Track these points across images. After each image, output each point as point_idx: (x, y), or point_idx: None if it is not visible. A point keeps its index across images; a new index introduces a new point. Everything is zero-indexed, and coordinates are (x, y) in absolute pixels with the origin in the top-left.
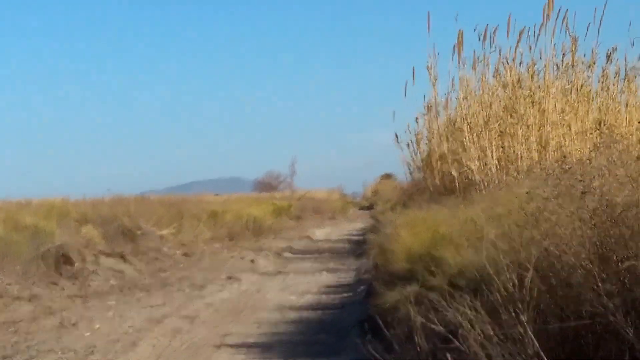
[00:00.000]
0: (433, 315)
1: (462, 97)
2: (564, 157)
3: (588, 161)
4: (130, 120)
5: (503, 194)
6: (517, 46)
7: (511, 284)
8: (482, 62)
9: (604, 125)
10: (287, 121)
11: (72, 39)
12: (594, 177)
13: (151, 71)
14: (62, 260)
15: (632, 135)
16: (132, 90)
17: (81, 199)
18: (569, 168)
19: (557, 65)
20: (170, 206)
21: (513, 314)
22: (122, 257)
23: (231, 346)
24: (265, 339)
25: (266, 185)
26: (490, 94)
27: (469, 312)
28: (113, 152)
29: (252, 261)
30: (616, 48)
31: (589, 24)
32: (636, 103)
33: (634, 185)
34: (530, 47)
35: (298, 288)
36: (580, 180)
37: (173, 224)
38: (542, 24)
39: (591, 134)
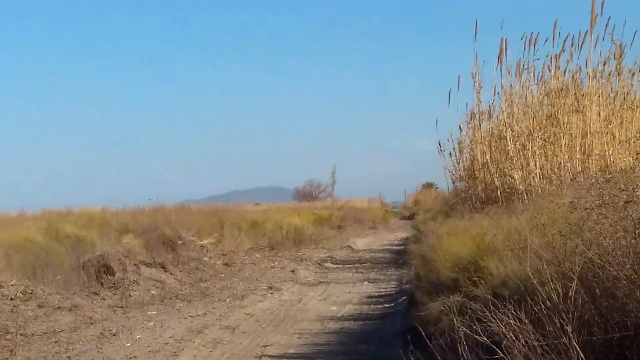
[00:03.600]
0: (477, 326)
1: (506, 105)
2: (607, 166)
3: (631, 170)
4: (170, 130)
5: (546, 204)
6: (560, 53)
7: (555, 294)
8: (527, 69)
9: None
10: (327, 129)
11: (110, 53)
12: (637, 186)
13: (192, 81)
14: (103, 270)
15: None
16: (172, 101)
17: (122, 208)
18: (612, 177)
19: (601, 72)
20: (210, 215)
21: (558, 324)
22: (163, 266)
23: (272, 357)
24: (306, 350)
25: (306, 195)
26: (534, 102)
27: (513, 322)
28: (154, 161)
29: (293, 271)
30: None
31: (635, 32)
32: None
33: None
34: (572, 55)
35: (339, 298)
36: (624, 190)
37: (214, 234)
38: (588, 31)
39: (635, 142)
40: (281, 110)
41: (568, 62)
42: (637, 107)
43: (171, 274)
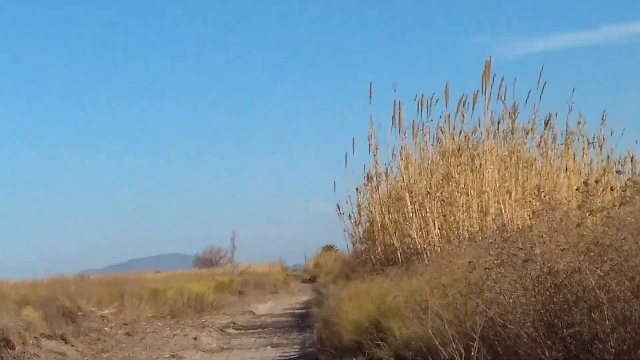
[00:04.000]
0: None
1: (402, 166)
2: (504, 225)
3: (528, 229)
4: (65, 198)
5: (446, 264)
6: (456, 114)
7: (457, 354)
8: (422, 131)
9: (543, 191)
10: (225, 195)
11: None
12: (535, 244)
13: (86, 149)
14: (3, 344)
15: (570, 200)
16: (65, 166)
17: (20, 280)
18: (510, 236)
19: (494, 132)
20: (110, 285)
21: None
22: (64, 338)
23: None
24: None
25: (207, 261)
26: (430, 162)
27: None
28: (50, 231)
29: (195, 338)
30: (556, 114)
31: (529, 91)
32: (575, 167)
33: (574, 251)
34: (463, 115)
35: None
36: (522, 249)
37: (114, 304)
38: (480, 91)
39: (531, 200)
40: (178, 174)
41: (462, 122)
42: (531, 165)
43: (72, 345)
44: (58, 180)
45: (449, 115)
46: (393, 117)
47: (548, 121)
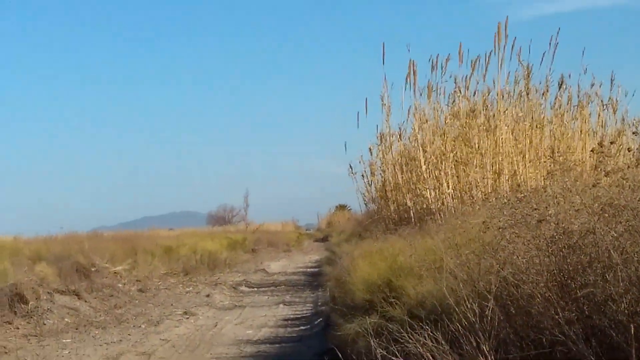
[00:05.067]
0: (393, 347)
1: (417, 126)
2: (518, 185)
3: (543, 189)
4: (80, 155)
5: (460, 224)
6: (470, 75)
7: (471, 313)
8: (436, 91)
9: (557, 152)
10: (239, 153)
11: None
12: (549, 205)
13: (101, 106)
14: (16, 299)
15: (585, 162)
16: (81, 125)
17: (33, 237)
18: (524, 197)
19: (509, 93)
20: (123, 242)
21: (474, 344)
22: (77, 294)
23: None
24: None
25: (220, 219)
26: (445, 122)
27: (430, 343)
28: (64, 188)
29: (208, 295)
30: (569, 75)
31: (544, 53)
32: (589, 129)
33: (589, 212)
34: (484, 76)
35: (255, 322)
36: (536, 209)
37: (127, 260)
38: (493, 52)
39: (545, 161)
40: (192, 133)
41: (478, 83)
42: (545, 126)
43: (85, 301)
44: (73, 137)
45: (465, 76)
46: (407, 76)
47: (562, 83)
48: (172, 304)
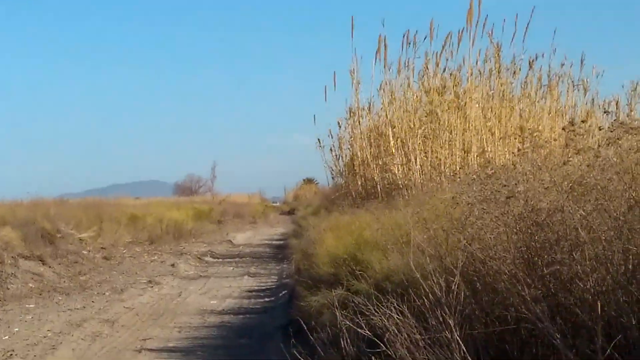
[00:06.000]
0: (359, 319)
1: (386, 101)
2: (488, 162)
3: (512, 166)
4: (47, 121)
5: (428, 199)
6: (441, 52)
7: (438, 288)
8: (407, 67)
9: (527, 130)
10: (207, 124)
11: None
12: (518, 181)
13: (70, 72)
14: None
15: (555, 140)
16: (50, 91)
17: None
18: (493, 173)
19: (480, 71)
20: (89, 209)
21: (440, 318)
22: (41, 260)
23: (152, 350)
24: (187, 343)
25: (187, 189)
26: (414, 98)
27: (395, 316)
28: (30, 153)
29: (173, 265)
30: (541, 55)
31: (514, 32)
32: (559, 109)
33: (558, 190)
34: (452, 53)
35: (219, 292)
36: (505, 185)
37: (93, 228)
38: (465, 29)
39: (514, 139)
40: (161, 103)
41: (447, 60)
42: (515, 105)
43: (50, 267)
44: (41, 102)
45: (435, 53)
46: (377, 51)
47: (532, 62)
48: (136, 273)
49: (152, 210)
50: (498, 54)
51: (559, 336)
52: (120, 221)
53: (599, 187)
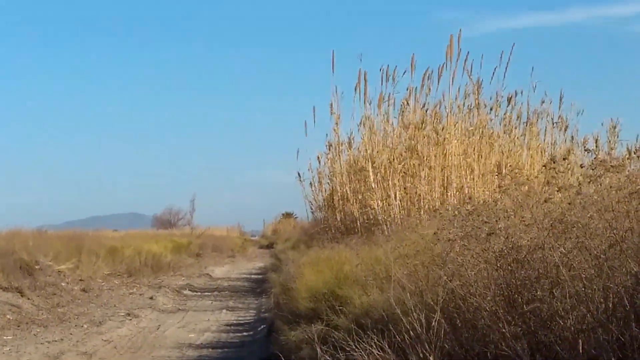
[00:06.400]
0: (340, 355)
1: (366, 136)
2: (469, 198)
3: (493, 203)
4: (26, 152)
5: (409, 235)
6: (421, 88)
7: (418, 324)
8: (387, 102)
9: (506, 167)
10: (186, 157)
11: None
12: (499, 218)
13: (48, 102)
14: None
15: (535, 177)
16: (27, 121)
17: None
18: (474, 209)
19: (459, 107)
20: (68, 241)
21: (420, 354)
22: (19, 291)
23: None
24: None
25: (165, 222)
26: (394, 134)
27: (376, 352)
28: (8, 183)
29: (151, 298)
30: (521, 92)
31: (495, 68)
32: (538, 146)
33: (539, 227)
34: (429, 89)
35: (197, 326)
36: (486, 222)
37: (71, 259)
38: (445, 65)
39: (494, 176)
40: (139, 136)
41: (427, 95)
42: (494, 141)
43: (28, 298)
44: (20, 133)
45: (415, 88)
46: (357, 85)
47: (511, 99)
48: (115, 305)
49: (131, 243)
50: (478, 90)
51: None
52: (99, 253)
53: (579, 224)
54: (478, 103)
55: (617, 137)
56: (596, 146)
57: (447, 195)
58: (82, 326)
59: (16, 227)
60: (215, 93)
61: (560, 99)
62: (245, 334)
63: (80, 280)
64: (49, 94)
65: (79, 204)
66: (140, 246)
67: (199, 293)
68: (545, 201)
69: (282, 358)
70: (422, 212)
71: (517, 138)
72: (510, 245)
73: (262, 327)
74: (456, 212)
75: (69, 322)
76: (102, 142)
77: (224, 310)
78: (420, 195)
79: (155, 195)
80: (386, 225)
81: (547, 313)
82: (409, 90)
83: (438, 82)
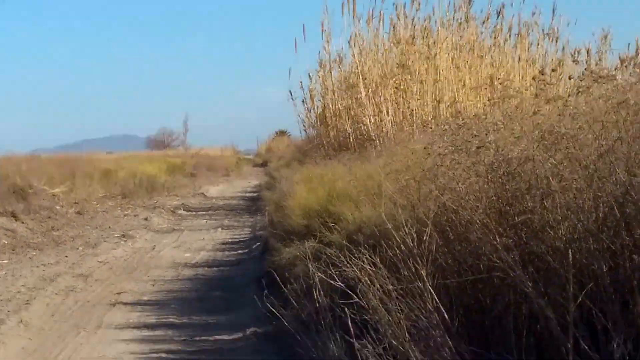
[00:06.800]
0: (331, 271)
1: (356, 52)
2: (459, 112)
3: (483, 116)
4: (18, 76)
5: (400, 150)
6: (412, 3)
7: (410, 238)
8: (378, 17)
9: (497, 80)
10: (178, 77)
11: None
12: (489, 131)
13: (40, 27)
14: None
15: (526, 90)
16: (20, 45)
17: None
18: (464, 123)
19: (449, 21)
20: (62, 165)
21: (412, 268)
22: (14, 215)
23: (126, 304)
24: (160, 296)
25: (159, 143)
26: (385, 50)
27: (368, 267)
28: (2, 109)
29: (146, 219)
30: (511, 4)
31: None
32: (529, 58)
33: (529, 139)
34: (419, 4)
35: (193, 245)
36: (476, 135)
37: (65, 183)
38: None
39: (485, 89)
40: (132, 57)
41: (417, 10)
42: (485, 54)
43: (22, 222)
44: (11, 57)
45: (404, 3)
46: (346, 1)
47: (501, 11)
48: (109, 227)
49: (125, 165)
50: (468, 3)
51: (530, 284)
52: (93, 176)
53: (569, 136)
54: (468, 16)
55: (610, 46)
56: (587, 56)
57: (439, 109)
58: (78, 248)
59: (9, 151)
60: (208, 12)
61: (553, 11)
62: (240, 252)
63: (75, 203)
64: (43, 18)
65: (72, 128)
66: (134, 168)
67: (194, 213)
68: (534, 113)
69: (276, 275)
70: (414, 127)
71: (508, 50)
72: (500, 158)
73: (257, 245)
74: (446, 127)
75: (64, 245)
76: (93, 64)
77: (219, 229)
78: (412, 110)
79: (148, 116)
80: (379, 141)
81: (538, 224)
82: (396, 6)
83: None
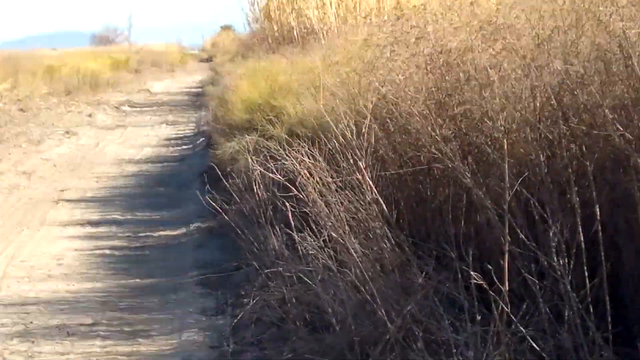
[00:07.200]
0: (272, 164)
1: None
2: (398, 3)
3: (422, 7)
4: None
5: (341, 42)
6: None
7: (349, 131)
8: None
9: None
10: None
11: None
12: (427, 22)
13: None
14: None
15: None
16: None
17: None
18: (403, 14)
19: None
20: (4, 62)
21: (351, 161)
22: None
23: (69, 201)
24: (104, 193)
25: (104, 39)
26: None
27: (307, 160)
28: None
29: (90, 115)
30: None
31: None
32: None
33: (467, 30)
34: None
35: (137, 141)
36: (415, 26)
37: (8, 80)
38: None
39: None
40: None
41: None
42: None
43: None
44: None
45: None
46: None
47: None
48: (53, 124)
49: (69, 61)
50: None
51: (469, 175)
52: (36, 73)
53: (506, 26)
54: None
55: None
56: None
57: (382, 1)
58: (21, 146)
59: None
60: None
61: None
62: (184, 147)
63: (18, 100)
64: None
65: (14, 23)
66: (78, 64)
67: (138, 109)
68: (472, 4)
69: (218, 170)
70: (357, 20)
71: None
72: (439, 49)
73: (201, 140)
74: (386, 18)
75: (7, 142)
76: None
77: (164, 125)
78: (356, 3)
79: (93, 12)
80: (322, 34)
81: (477, 114)
82: None
83: None
